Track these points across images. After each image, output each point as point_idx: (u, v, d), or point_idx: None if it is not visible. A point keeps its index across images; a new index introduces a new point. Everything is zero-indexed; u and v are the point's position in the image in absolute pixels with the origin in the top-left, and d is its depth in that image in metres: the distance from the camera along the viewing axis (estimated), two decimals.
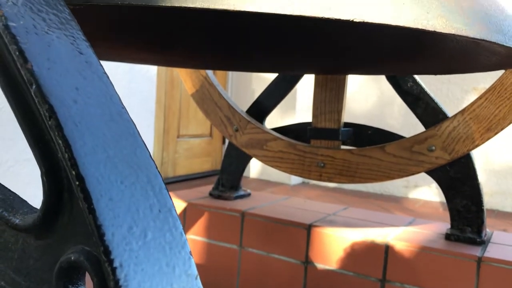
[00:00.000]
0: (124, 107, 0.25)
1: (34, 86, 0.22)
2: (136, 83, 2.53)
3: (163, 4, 0.36)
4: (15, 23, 0.23)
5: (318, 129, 1.21)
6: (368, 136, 1.23)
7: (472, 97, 2.89)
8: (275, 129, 1.34)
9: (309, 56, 0.97)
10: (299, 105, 3.40)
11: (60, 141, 0.21)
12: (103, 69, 0.26)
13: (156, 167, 0.25)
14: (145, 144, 0.25)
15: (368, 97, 3.23)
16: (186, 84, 1.43)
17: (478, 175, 1.07)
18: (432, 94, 1.15)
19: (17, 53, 0.23)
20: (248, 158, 1.37)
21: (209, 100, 1.40)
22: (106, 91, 0.25)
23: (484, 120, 1.01)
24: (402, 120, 3.06)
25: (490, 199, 2.86)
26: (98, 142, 0.22)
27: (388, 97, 3.10)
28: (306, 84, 3.11)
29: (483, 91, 1.25)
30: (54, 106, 0.22)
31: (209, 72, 1.41)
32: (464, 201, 1.08)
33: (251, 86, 3.58)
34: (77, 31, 0.26)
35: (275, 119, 3.22)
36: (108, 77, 0.26)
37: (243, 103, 3.17)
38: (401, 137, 1.16)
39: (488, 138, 1.01)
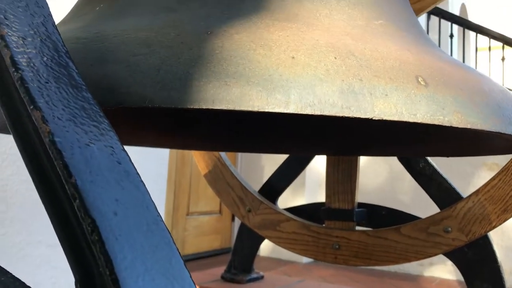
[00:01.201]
0: (159, 215, 0.26)
1: (77, 201, 0.23)
2: (148, 162, 2.56)
3: (192, 107, 0.38)
4: (61, 138, 0.25)
5: (332, 210, 1.21)
6: (382, 217, 1.22)
7: (482, 173, 2.88)
8: (288, 209, 1.34)
9: (322, 139, 0.98)
10: (309, 181, 3.40)
11: (101, 256, 0.22)
12: (140, 177, 0.27)
13: (190, 276, 0.25)
14: (179, 252, 0.25)
15: (378, 172, 3.23)
16: (199, 165, 1.44)
17: (497, 256, 1.05)
18: (444, 174, 1.15)
19: (62, 167, 0.24)
20: (261, 239, 1.36)
21: (222, 181, 1.41)
22: (143, 200, 0.26)
23: (500, 201, 1.00)
24: (413, 196, 3.03)
25: (510, 277, 2.76)
26: (137, 255, 0.23)
27: (397, 172, 3.10)
28: (315, 160, 3.13)
29: (493, 166, 1.25)
30: (97, 220, 0.22)
31: (222, 153, 1.43)
32: (484, 284, 1.05)
33: (261, 162, 3.61)
34: (115, 141, 0.28)
35: (285, 195, 3.21)
36: (144, 184, 0.27)
37: (253, 179, 3.17)
38: (416, 217, 1.15)
39: (505, 219, 1.00)
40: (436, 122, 0.42)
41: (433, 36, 5.20)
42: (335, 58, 0.42)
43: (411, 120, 0.41)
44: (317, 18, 0.50)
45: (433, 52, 0.54)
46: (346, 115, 0.39)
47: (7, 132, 0.72)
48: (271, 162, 3.36)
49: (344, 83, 0.40)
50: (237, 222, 3.13)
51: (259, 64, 0.40)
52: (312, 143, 1.03)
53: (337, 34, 0.47)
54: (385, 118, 0.40)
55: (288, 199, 3.20)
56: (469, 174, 2.97)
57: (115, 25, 0.49)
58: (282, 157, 1.43)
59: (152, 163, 2.58)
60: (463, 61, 4.98)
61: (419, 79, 0.43)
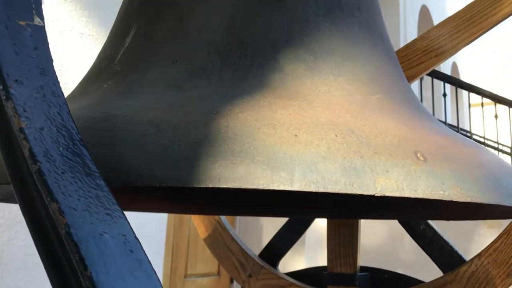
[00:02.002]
0: None
1: None
2: (147, 225, 2.54)
3: (199, 185, 0.39)
4: (77, 230, 0.25)
5: (334, 274, 1.19)
6: (384, 281, 1.20)
7: (482, 231, 2.86)
8: (289, 274, 1.32)
9: (322, 204, 0.99)
10: (309, 240, 3.36)
11: None
12: (151, 265, 0.28)
13: None
14: None
15: (377, 232, 3.21)
16: (199, 229, 1.44)
17: None
18: (445, 236, 1.15)
19: (78, 260, 0.24)
20: None
21: (221, 244, 1.39)
22: None
23: (503, 264, 0.99)
24: (414, 255, 2.99)
25: None
26: None
27: (397, 230, 3.07)
28: (315, 220, 3.11)
29: (493, 223, 1.25)
30: None
31: (222, 216, 1.42)
32: None
33: (260, 221, 3.58)
34: (128, 229, 0.28)
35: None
36: (155, 273, 0.27)
37: (252, 239, 3.13)
38: (419, 281, 1.13)
39: (510, 284, 0.99)
40: (436, 197, 0.43)
41: (427, 94, 5.32)
42: (336, 135, 0.44)
43: (412, 195, 0.42)
44: (317, 95, 0.52)
45: (429, 125, 0.56)
46: (349, 192, 0.40)
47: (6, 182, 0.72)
48: (270, 222, 3.33)
49: (346, 160, 0.42)
50: (236, 284, 3.06)
51: (263, 143, 0.42)
52: (312, 207, 1.03)
53: (337, 111, 0.49)
54: (387, 194, 0.41)
55: (288, 258, 3.15)
56: (470, 232, 2.94)
57: (123, 103, 0.51)
58: (282, 218, 1.43)
59: (150, 224, 2.55)
60: (457, 118, 5.07)
61: (418, 155, 0.44)
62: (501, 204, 0.47)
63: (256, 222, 3.58)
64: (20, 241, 1.56)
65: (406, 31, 7.34)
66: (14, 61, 0.32)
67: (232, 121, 0.44)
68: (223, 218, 1.43)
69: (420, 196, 0.42)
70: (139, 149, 0.41)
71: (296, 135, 0.43)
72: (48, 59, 0.36)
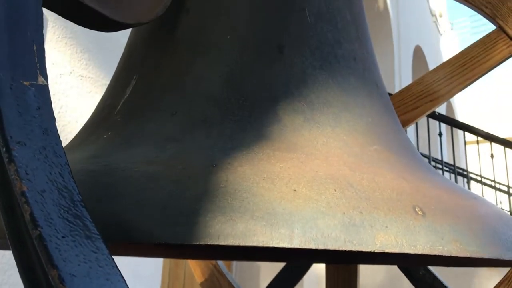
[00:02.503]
0: None
1: None
2: (143, 266, 2.50)
3: (198, 243, 0.39)
4: None
5: None
6: None
7: (482, 272, 2.83)
8: None
9: (320, 251, 0.98)
10: (307, 286, 3.30)
11: None
12: None
13: None
14: None
15: (376, 271, 3.16)
16: (195, 273, 1.41)
17: None
18: (445, 282, 1.13)
19: None
20: None
21: None
22: None
23: None
24: None
25: None
26: None
27: (396, 272, 3.03)
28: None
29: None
30: None
31: (219, 261, 1.41)
32: None
33: (257, 266, 3.52)
34: None
35: None
36: None
37: (249, 284, 3.08)
38: None
39: None
40: (436, 253, 0.43)
41: (423, 132, 5.36)
42: (335, 190, 0.44)
43: (411, 251, 0.42)
44: (315, 147, 0.53)
45: (426, 175, 0.56)
46: (349, 249, 0.40)
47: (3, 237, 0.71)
48: (267, 266, 3.29)
49: (345, 216, 0.42)
50: None
51: (262, 198, 0.42)
52: (310, 253, 1.02)
53: (335, 164, 0.49)
54: (386, 250, 0.41)
55: None
56: (468, 273, 2.91)
57: (123, 156, 0.51)
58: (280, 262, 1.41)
59: (146, 266, 2.51)
60: (453, 156, 5.09)
61: (416, 209, 0.45)
62: (500, 259, 0.47)
63: (254, 267, 3.53)
64: (15, 286, 1.53)
65: (400, 71, 7.46)
66: (17, 122, 0.33)
67: (231, 175, 0.44)
68: (220, 262, 1.41)
69: (419, 252, 0.42)
70: (138, 205, 0.41)
71: (295, 190, 0.43)
72: (50, 118, 0.37)
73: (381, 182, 0.47)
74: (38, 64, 0.39)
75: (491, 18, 1.09)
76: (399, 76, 7.35)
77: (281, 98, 0.60)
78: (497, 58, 1.08)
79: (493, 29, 1.11)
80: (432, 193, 0.49)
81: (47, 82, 0.39)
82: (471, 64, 1.11)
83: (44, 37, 0.40)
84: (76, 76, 2.04)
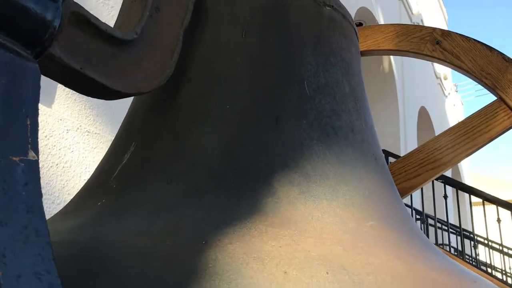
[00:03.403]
0: None
1: None
2: None
3: None
4: None
5: None
6: None
7: None
8: None
9: None
10: None
11: None
12: None
13: None
14: None
15: None
16: None
17: None
18: None
19: None
20: None
21: None
22: None
23: None
24: None
25: None
26: None
27: None
28: None
29: None
30: None
31: None
32: None
33: None
34: None
35: None
36: None
37: None
38: None
39: None
40: None
41: (428, 193, 5.30)
42: (327, 272, 0.42)
43: None
44: (310, 222, 0.52)
45: (424, 254, 0.54)
46: None
47: None
48: None
49: None
50: None
51: (251, 281, 0.41)
52: None
53: (329, 243, 0.48)
54: None
55: None
56: None
57: (114, 227, 0.50)
58: None
59: None
60: (459, 219, 5.00)
61: None
62: None
63: None
64: None
65: (406, 132, 7.50)
66: (1, 201, 0.32)
67: (220, 254, 0.43)
68: None
69: None
70: (124, 283, 0.40)
71: (285, 272, 0.42)
72: (37, 194, 0.36)
73: (375, 264, 0.45)
74: (30, 139, 0.39)
75: (492, 89, 1.11)
76: (405, 137, 7.39)
77: (277, 169, 0.59)
78: (498, 128, 1.08)
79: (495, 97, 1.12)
80: (429, 276, 0.47)
81: (38, 156, 0.39)
82: (472, 134, 1.11)
83: (38, 112, 0.41)
84: (83, 131, 2.06)
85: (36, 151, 0.39)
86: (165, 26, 0.68)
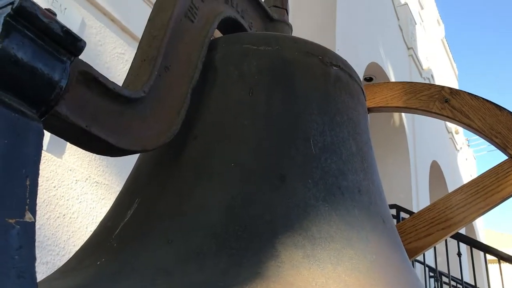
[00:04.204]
0: None
1: None
2: None
3: None
4: None
5: None
6: None
7: None
8: None
9: None
10: None
11: None
12: None
13: None
14: None
15: None
16: None
17: None
18: None
19: None
20: None
21: None
22: None
23: None
24: None
25: None
26: None
27: None
28: None
29: None
30: None
31: None
32: None
33: None
34: None
35: None
36: None
37: None
38: None
39: None
40: None
41: (441, 248, 5.16)
42: None
43: None
44: None
45: None
46: None
47: None
48: None
49: None
50: None
51: None
52: None
53: None
54: None
55: None
56: None
57: None
58: None
59: None
60: (474, 277, 4.84)
61: None
62: None
63: None
64: None
65: (417, 187, 7.42)
66: None
67: None
68: None
69: None
70: None
71: None
72: (30, 257, 0.36)
73: None
74: (28, 200, 0.39)
75: (502, 148, 1.09)
76: (417, 192, 7.30)
77: (281, 231, 0.58)
78: (510, 188, 1.06)
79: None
80: None
81: (35, 217, 0.38)
82: (484, 193, 1.09)
83: (39, 172, 0.41)
84: (91, 182, 2.07)
85: (34, 212, 0.39)
86: (173, 84, 0.69)
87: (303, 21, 5.12)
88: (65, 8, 2.14)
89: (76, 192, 1.97)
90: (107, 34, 2.34)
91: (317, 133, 0.70)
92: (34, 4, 0.43)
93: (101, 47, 2.28)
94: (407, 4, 9.28)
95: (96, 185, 2.09)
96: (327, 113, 0.74)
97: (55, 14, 0.46)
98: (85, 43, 0.47)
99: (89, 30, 2.26)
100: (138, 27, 2.46)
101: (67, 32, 0.45)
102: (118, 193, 2.12)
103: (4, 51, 0.41)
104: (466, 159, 13.36)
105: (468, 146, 14.32)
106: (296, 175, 0.65)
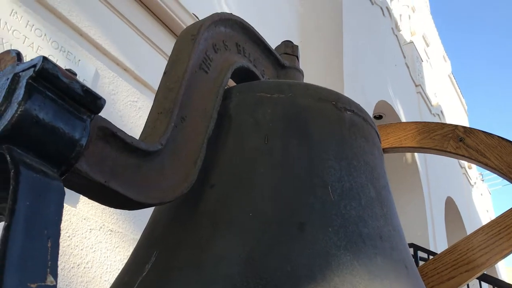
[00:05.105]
0: None
1: None
2: None
3: None
4: None
5: None
6: None
7: None
8: None
9: None
10: None
11: None
12: None
13: None
14: None
15: None
16: None
17: None
18: None
19: None
20: None
21: None
22: None
23: None
24: None
25: None
26: None
27: None
28: None
29: None
30: None
31: None
32: None
33: None
34: None
35: None
36: None
37: None
38: None
39: None
40: None
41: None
42: None
43: None
44: None
45: None
46: None
47: None
48: None
49: None
50: None
51: None
52: None
53: None
54: None
55: None
56: None
57: None
58: None
59: None
60: None
61: None
62: None
63: None
64: None
65: (433, 224, 7.29)
66: None
67: None
68: None
69: None
70: None
71: None
72: None
73: None
74: (49, 262, 0.38)
75: None
76: (433, 229, 7.16)
77: (303, 282, 0.57)
78: None
79: None
80: None
81: (56, 280, 0.38)
82: (506, 234, 1.06)
83: (60, 233, 0.40)
84: (105, 230, 2.06)
85: (55, 275, 0.38)
86: (189, 135, 0.69)
87: (310, 62, 5.19)
88: (79, 60, 2.20)
89: (90, 241, 1.96)
90: (120, 83, 2.39)
91: (335, 179, 0.69)
92: (56, 65, 0.44)
93: (115, 96, 2.32)
94: (412, 42, 9.41)
95: (110, 233, 2.08)
96: (344, 158, 0.73)
97: (75, 74, 0.47)
98: (104, 101, 0.48)
99: (103, 80, 2.31)
100: (150, 75, 2.51)
101: (87, 91, 0.46)
102: (132, 240, 2.10)
103: (27, 113, 0.42)
104: (481, 194, 13.15)
105: (482, 180, 14.14)
106: (315, 223, 0.64)
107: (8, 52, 0.49)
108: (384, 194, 0.76)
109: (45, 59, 0.44)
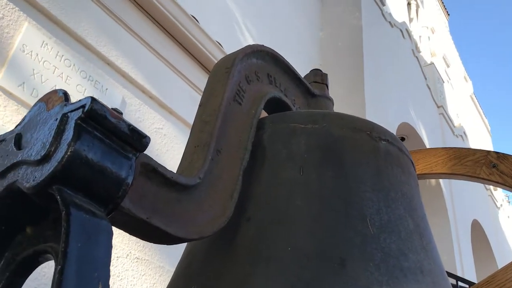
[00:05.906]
0: None
1: None
2: None
3: None
4: None
5: None
6: None
7: None
8: None
9: None
10: None
11: None
12: None
13: None
14: None
15: None
16: None
17: None
18: None
19: None
20: None
21: None
22: None
23: None
24: None
25: None
26: None
27: None
28: None
29: None
30: None
31: None
32: None
33: None
34: None
35: None
36: None
37: None
38: None
39: None
40: None
41: None
42: None
43: None
44: None
45: None
46: None
47: None
48: None
49: None
50: None
51: None
52: None
53: None
54: None
55: None
56: None
57: None
58: None
59: None
60: None
61: None
62: None
63: None
64: None
65: (460, 247, 7.11)
66: None
67: None
68: None
69: None
70: None
71: None
72: None
73: None
74: None
75: None
76: (459, 253, 6.98)
77: None
78: None
79: None
80: None
81: None
82: None
83: (110, 274, 0.40)
84: (132, 258, 2.06)
85: None
86: (225, 167, 0.69)
87: (331, 86, 5.19)
88: (106, 89, 2.24)
89: (117, 269, 1.96)
90: (146, 111, 2.42)
91: (374, 211, 0.68)
92: (104, 106, 0.45)
93: (141, 123, 2.36)
94: (433, 63, 9.36)
95: (136, 261, 2.08)
96: (381, 189, 0.72)
97: (121, 113, 0.47)
98: (149, 139, 0.48)
99: (129, 108, 2.35)
100: (175, 102, 2.55)
101: (133, 130, 0.47)
102: (158, 268, 2.08)
103: (76, 153, 0.43)
104: (508, 216, 12.82)
105: (509, 202, 13.79)
106: (356, 258, 0.62)
107: (55, 92, 0.50)
108: (423, 225, 0.74)
109: (93, 99, 0.44)
